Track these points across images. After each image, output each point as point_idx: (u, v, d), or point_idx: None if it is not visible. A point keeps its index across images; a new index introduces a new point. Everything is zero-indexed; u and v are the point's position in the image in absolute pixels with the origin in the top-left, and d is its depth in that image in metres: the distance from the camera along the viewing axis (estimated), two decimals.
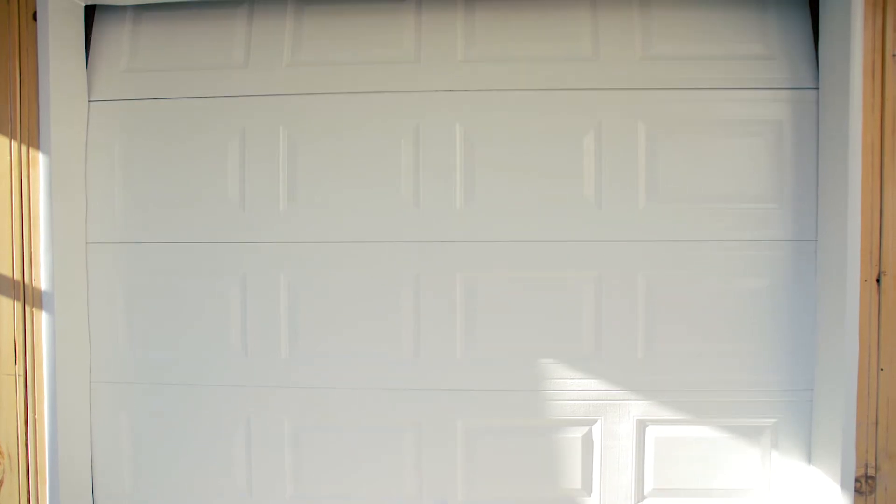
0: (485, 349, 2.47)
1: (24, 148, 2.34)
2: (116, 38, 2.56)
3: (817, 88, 2.38)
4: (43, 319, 2.36)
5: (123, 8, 2.56)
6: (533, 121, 2.44)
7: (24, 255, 2.36)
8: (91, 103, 2.53)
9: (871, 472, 2.23)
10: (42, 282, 2.35)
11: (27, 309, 2.36)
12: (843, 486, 2.22)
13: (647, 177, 2.42)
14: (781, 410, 2.42)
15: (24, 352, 2.37)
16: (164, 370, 2.53)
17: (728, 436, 2.45)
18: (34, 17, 2.32)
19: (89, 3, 2.49)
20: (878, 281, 2.20)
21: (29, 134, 2.34)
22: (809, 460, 2.41)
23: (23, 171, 2.35)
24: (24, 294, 2.36)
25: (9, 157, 2.35)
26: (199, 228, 2.51)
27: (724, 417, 2.43)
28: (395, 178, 2.46)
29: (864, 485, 2.22)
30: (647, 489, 2.48)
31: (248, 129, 2.49)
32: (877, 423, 2.21)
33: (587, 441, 2.47)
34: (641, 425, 2.46)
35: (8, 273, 2.36)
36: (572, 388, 2.46)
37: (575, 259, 2.44)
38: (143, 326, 2.54)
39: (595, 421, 2.46)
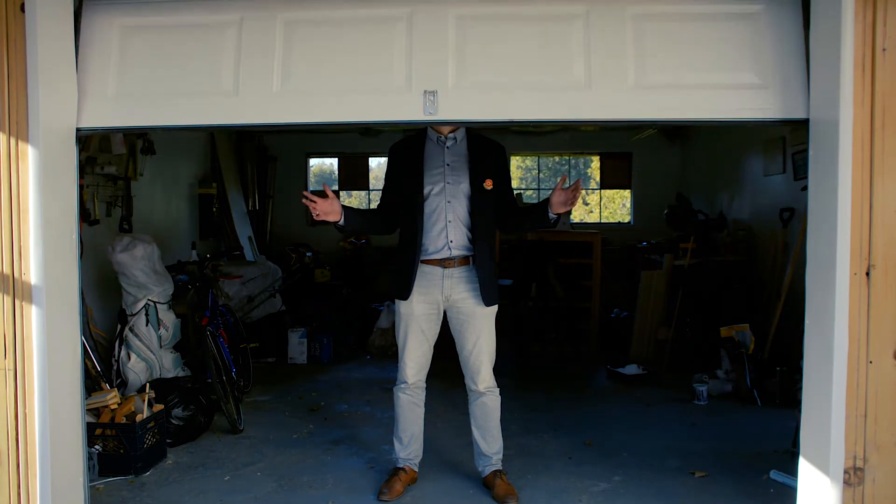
0: None
1: (13, 140, 2.32)
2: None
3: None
4: (33, 314, 2.34)
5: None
6: None
7: (14, 249, 2.34)
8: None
9: (859, 463, 2.24)
10: (32, 276, 2.33)
11: (17, 303, 2.34)
12: (832, 477, 2.24)
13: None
14: None
15: (14, 346, 2.35)
16: None
17: None
18: (22, 9, 2.29)
19: None
20: (867, 274, 2.21)
21: (18, 127, 2.32)
22: (799, 452, 2.43)
23: (12, 164, 2.33)
24: (13, 288, 2.34)
25: None
26: None
27: None
28: None
29: (852, 476, 2.24)
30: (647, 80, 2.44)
31: None
32: (865, 416, 2.23)
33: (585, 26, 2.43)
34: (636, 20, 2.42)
35: None
36: None
37: None
38: None
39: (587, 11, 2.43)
